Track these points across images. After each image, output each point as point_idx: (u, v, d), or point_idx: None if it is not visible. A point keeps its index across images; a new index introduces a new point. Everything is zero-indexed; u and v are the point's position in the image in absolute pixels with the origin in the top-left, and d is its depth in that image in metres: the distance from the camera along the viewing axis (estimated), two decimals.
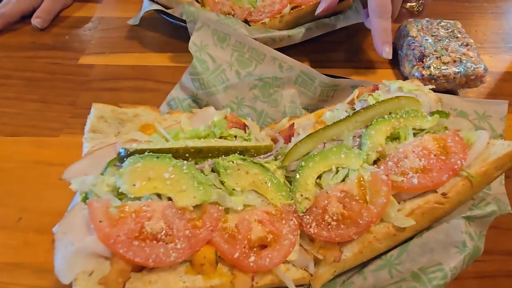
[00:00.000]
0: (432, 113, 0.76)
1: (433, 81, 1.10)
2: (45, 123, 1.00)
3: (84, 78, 1.16)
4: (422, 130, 0.73)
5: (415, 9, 1.12)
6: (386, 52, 1.06)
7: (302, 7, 1.21)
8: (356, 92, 0.87)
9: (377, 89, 0.86)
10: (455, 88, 1.13)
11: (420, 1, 1.12)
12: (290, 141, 0.80)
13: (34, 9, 1.39)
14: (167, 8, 1.24)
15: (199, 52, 0.91)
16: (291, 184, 0.70)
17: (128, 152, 0.60)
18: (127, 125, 0.73)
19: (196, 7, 1.10)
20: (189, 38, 0.95)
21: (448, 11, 1.57)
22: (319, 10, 1.16)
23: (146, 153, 0.59)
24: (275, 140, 0.85)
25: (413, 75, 1.13)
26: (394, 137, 0.74)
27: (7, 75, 1.15)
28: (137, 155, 0.59)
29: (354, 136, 0.74)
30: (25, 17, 1.39)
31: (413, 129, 0.73)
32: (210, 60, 0.93)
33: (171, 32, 1.35)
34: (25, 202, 0.81)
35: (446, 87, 1.12)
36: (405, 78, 1.20)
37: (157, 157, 0.58)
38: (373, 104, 0.76)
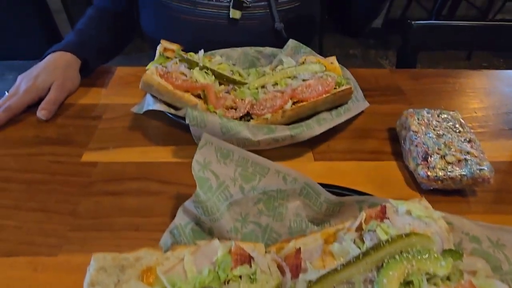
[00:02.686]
0: (444, 252, 0.73)
1: (439, 182, 1.09)
2: (44, 239, 0.97)
3: (86, 179, 1.15)
4: (436, 275, 0.71)
5: None
6: None
7: (304, 103, 1.22)
8: (363, 215, 0.85)
9: (385, 212, 0.84)
10: (462, 188, 1.11)
11: None
12: (297, 276, 0.77)
13: (40, 99, 1.41)
14: (169, 105, 1.26)
15: (202, 170, 0.91)
16: None
17: None
18: (127, 271, 0.70)
19: (200, 110, 1.11)
20: None
21: (445, 91, 1.60)
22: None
23: None
24: (280, 268, 0.82)
25: (419, 174, 1.11)
26: (407, 281, 0.71)
27: (8, 178, 1.14)
28: None
29: (365, 281, 0.71)
30: (31, 106, 1.42)
31: (427, 273, 0.70)
32: (213, 177, 0.92)
33: (174, 121, 1.37)
34: None
35: (453, 187, 1.10)
36: (410, 173, 1.19)
37: None
38: (383, 243, 0.73)
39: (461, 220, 0.85)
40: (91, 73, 1.62)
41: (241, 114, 1.24)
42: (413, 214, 0.82)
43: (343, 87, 1.20)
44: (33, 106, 1.41)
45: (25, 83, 1.39)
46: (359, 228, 0.83)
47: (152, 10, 1.66)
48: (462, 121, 1.23)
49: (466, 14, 6.10)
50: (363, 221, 0.84)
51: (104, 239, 0.97)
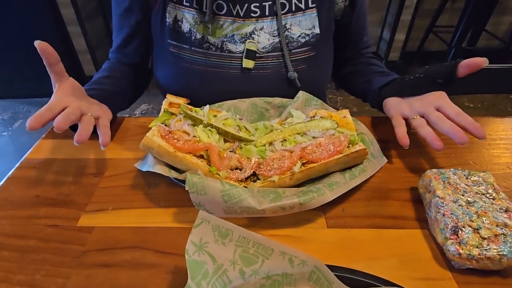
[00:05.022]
0: None
1: (473, 261, 0.93)
2: None
3: (80, 248, 1.07)
4: None
5: None
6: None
7: (314, 165, 1.12)
8: None
9: None
10: (501, 268, 0.95)
11: None
12: None
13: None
14: (171, 167, 1.19)
15: (197, 252, 0.81)
16: None
17: None
18: None
19: (200, 176, 1.03)
20: None
21: (472, 142, 1.46)
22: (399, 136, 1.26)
23: None
24: None
25: (448, 250, 0.96)
26: None
27: (1, 245, 1.09)
28: None
29: None
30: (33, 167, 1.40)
31: None
32: (210, 260, 0.82)
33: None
34: None
35: (490, 267, 0.94)
36: (438, 244, 1.04)
37: None
38: None
39: None
40: None
41: (246, 175, 1.16)
42: None
43: (357, 148, 1.10)
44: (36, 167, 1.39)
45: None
46: None
47: (165, 60, 1.66)
48: (496, 185, 1.09)
49: (488, 45, 5.94)
50: None
51: None
